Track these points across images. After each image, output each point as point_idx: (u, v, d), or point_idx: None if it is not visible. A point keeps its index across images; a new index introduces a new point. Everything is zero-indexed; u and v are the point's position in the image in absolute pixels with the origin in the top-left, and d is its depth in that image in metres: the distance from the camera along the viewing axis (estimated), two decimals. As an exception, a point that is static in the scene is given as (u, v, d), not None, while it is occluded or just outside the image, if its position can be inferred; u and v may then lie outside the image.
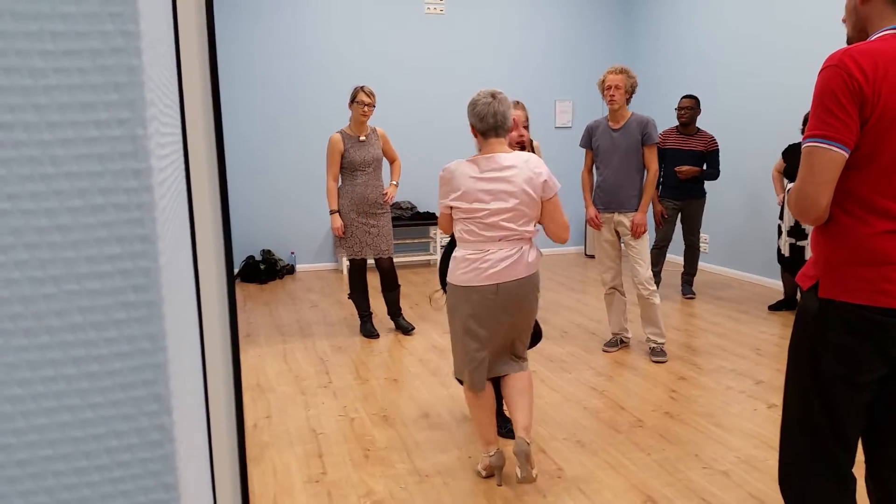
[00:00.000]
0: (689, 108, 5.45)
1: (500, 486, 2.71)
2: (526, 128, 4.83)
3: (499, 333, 2.62)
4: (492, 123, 2.52)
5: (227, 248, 0.74)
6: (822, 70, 1.57)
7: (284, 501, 2.65)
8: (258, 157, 6.90)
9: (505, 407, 3.14)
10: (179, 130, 0.64)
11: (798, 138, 5.80)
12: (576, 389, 3.76)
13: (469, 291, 2.54)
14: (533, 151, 4.90)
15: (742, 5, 6.31)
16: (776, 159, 5.64)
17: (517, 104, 4.79)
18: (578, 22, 7.80)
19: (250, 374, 4.06)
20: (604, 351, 4.41)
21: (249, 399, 3.68)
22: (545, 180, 2.53)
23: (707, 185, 6.52)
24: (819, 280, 1.65)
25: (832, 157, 1.55)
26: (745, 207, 6.43)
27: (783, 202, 5.11)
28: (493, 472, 2.76)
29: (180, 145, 0.64)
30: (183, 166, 0.66)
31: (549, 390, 3.75)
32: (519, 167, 2.51)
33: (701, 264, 6.89)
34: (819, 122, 1.56)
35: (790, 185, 4.98)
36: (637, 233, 4.12)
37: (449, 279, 2.61)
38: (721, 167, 6.47)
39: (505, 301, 2.55)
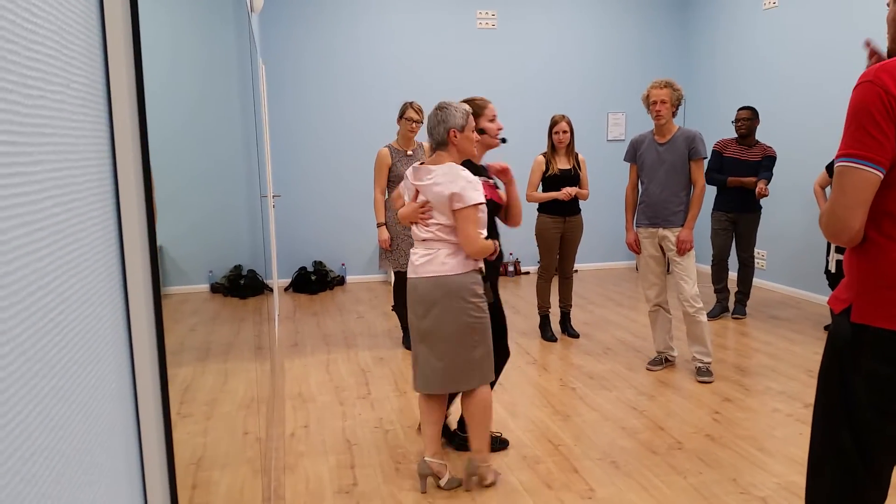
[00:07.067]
0: (747, 119, 5.30)
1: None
2: (570, 142, 4.81)
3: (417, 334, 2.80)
4: (436, 138, 2.73)
5: (154, 265, 0.77)
6: (857, 86, 1.50)
7: (314, 511, 2.69)
8: (311, 170, 7.07)
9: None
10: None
11: None
12: (615, 408, 3.70)
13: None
14: (578, 165, 4.87)
15: (800, 15, 6.12)
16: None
17: (562, 117, 4.79)
18: (632, 32, 7.70)
19: (293, 384, 4.15)
20: (647, 369, 4.32)
21: (290, 408, 3.76)
22: (453, 192, 2.60)
23: (764, 199, 6.31)
24: (852, 304, 1.58)
25: (866, 177, 1.48)
26: (805, 223, 6.20)
27: None
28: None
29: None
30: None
31: (588, 408, 3.70)
32: (437, 177, 2.64)
33: (758, 282, 6.65)
34: (852, 140, 1.49)
35: None
36: (682, 249, 4.03)
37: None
38: (781, 181, 6.27)
39: (419, 298, 2.73)
